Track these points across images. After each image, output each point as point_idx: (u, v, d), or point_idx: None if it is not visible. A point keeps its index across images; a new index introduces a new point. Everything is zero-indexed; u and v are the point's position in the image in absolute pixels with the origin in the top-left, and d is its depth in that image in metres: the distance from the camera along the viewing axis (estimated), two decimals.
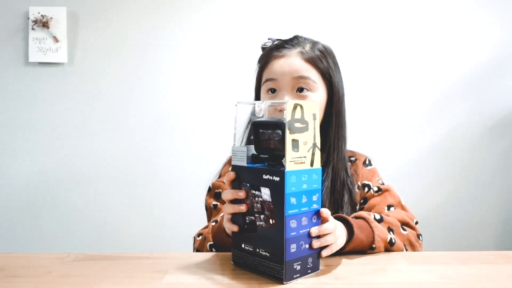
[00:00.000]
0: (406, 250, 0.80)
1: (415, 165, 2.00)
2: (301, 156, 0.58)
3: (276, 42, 0.95)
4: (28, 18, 1.94)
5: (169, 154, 2.00)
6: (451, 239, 1.99)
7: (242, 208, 0.64)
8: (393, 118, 2.00)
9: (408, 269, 0.66)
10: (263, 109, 0.65)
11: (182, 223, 1.92)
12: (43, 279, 0.62)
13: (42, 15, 1.94)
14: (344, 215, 0.77)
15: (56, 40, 1.95)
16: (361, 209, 0.91)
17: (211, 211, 0.95)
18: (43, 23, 1.94)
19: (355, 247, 0.74)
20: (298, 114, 0.57)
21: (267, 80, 0.91)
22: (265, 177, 0.59)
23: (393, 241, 0.77)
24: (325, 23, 1.96)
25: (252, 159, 0.64)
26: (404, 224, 0.84)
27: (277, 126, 0.59)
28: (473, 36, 1.98)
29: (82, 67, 1.99)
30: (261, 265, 0.62)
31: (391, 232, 0.79)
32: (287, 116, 0.56)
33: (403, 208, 0.91)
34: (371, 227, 0.76)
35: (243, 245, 0.65)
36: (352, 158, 0.98)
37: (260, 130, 0.62)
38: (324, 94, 0.91)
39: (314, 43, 0.93)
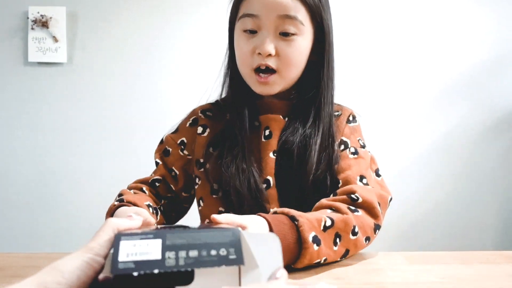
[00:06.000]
0: (345, 255, 0.66)
1: (414, 164, 2.00)
2: None
3: None
4: (28, 18, 1.94)
5: None
6: (451, 239, 1.99)
7: None
8: (392, 117, 1.99)
9: (408, 269, 0.66)
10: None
11: (181, 221, 1.92)
12: None
13: (41, 15, 1.94)
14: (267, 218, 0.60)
15: (55, 40, 1.95)
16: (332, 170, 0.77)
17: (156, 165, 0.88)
18: (43, 23, 1.94)
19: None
20: None
21: (245, 15, 0.75)
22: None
23: (321, 261, 0.63)
24: None
25: None
26: (369, 209, 0.69)
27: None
28: (473, 35, 1.98)
29: (82, 67, 1.99)
30: None
31: (334, 244, 0.64)
32: None
33: (378, 183, 0.77)
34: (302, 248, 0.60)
35: None
36: (337, 113, 0.84)
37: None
38: (311, 38, 0.78)
39: None
